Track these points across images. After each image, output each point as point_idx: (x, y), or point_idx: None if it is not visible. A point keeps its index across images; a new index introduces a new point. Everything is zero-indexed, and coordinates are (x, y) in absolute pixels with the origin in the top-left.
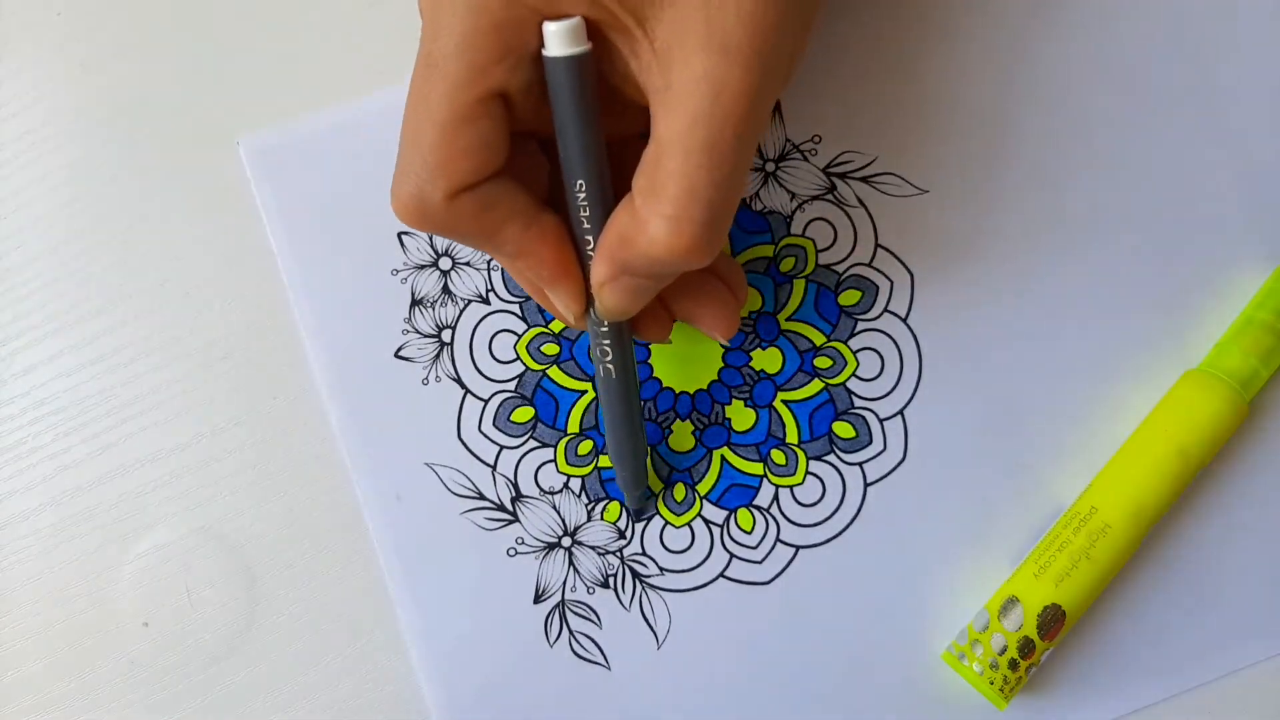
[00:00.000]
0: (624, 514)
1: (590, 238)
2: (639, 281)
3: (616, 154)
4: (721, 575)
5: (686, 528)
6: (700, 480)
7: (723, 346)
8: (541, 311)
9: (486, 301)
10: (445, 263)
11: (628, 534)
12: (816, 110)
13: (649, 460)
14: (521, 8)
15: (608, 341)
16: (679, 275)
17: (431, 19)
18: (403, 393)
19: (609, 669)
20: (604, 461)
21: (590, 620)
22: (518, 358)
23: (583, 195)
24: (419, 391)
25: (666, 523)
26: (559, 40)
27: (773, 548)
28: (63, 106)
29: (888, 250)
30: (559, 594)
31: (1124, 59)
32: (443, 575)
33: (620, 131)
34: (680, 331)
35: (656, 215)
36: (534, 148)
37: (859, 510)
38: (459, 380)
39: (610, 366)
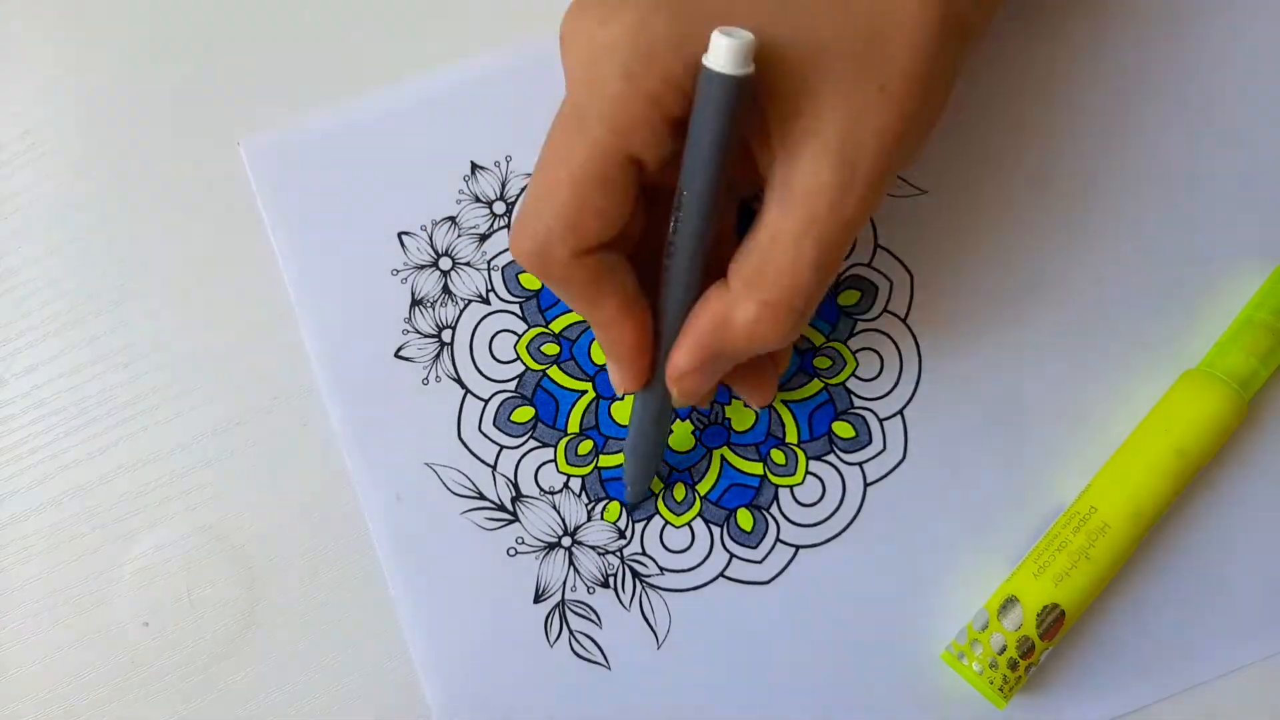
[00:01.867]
0: (624, 514)
1: (675, 308)
2: (719, 367)
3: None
4: (721, 575)
5: (686, 528)
6: (700, 480)
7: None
8: (541, 311)
9: (486, 301)
10: (445, 263)
11: (628, 534)
12: None
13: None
14: (673, 81)
15: (653, 414)
16: None
17: (584, 75)
18: (403, 393)
19: (609, 669)
20: (604, 461)
21: (590, 620)
22: (518, 358)
23: (691, 248)
24: (419, 391)
25: (666, 523)
26: (729, 56)
27: (773, 548)
28: (63, 106)
29: (888, 250)
30: (559, 594)
31: (1124, 59)
32: (443, 575)
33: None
34: None
35: (757, 302)
36: (650, 236)
37: (859, 510)
38: (459, 380)
39: (650, 432)
